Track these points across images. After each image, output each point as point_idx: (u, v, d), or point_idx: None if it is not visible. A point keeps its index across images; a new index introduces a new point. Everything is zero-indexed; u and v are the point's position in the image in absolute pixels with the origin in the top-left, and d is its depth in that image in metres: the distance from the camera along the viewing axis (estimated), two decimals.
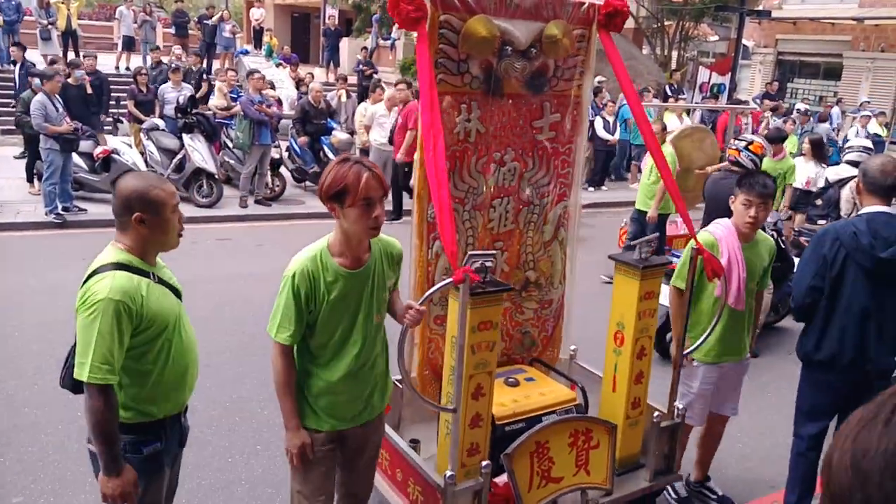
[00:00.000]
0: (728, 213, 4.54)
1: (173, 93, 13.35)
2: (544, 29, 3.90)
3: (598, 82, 15.45)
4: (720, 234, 4.26)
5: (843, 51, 24.87)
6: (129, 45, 20.60)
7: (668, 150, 8.64)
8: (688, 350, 4.17)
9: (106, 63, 20.25)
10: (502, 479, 3.59)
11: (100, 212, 10.60)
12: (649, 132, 4.04)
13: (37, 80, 11.05)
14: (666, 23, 27.44)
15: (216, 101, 13.86)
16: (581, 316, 4.86)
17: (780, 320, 7.95)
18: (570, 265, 4.61)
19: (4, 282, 7.98)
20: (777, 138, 8.91)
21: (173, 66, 14.35)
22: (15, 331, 6.71)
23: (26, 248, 9.44)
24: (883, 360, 4.02)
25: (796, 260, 7.47)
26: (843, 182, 7.93)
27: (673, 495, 4.64)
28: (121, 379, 2.77)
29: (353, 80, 20.56)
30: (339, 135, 13.09)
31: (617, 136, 15.58)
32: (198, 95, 14.28)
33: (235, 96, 13.56)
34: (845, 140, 17.36)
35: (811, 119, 16.48)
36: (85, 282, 2.77)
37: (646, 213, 8.80)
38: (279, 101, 14.40)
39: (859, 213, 4.07)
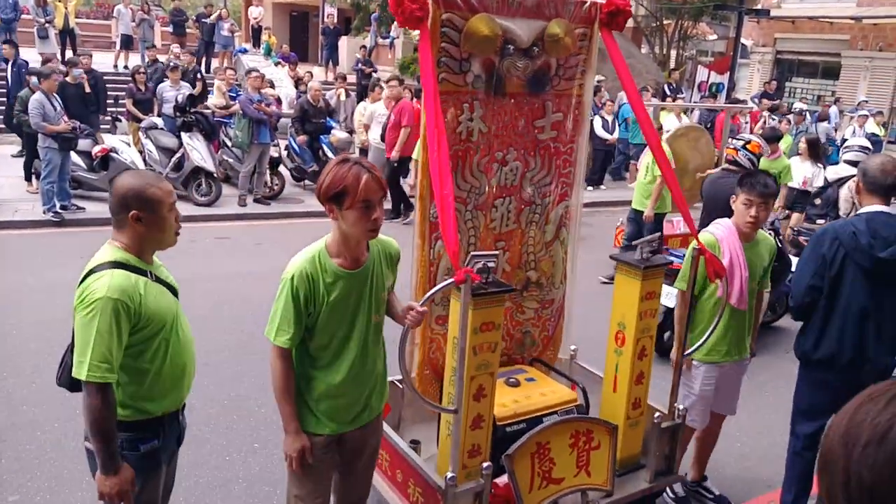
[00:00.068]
0: (726, 213, 4.54)
1: (172, 91, 13.33)
2: (546, 27, 3.89)
3: (597, 81, 15.43)
4: (721, 234, 4.25)
5: (842, 50, 24.88)
6: (127, 43, 20.59)
7: (664, 150, 8.62)
8: (689, 351, 4.17)
9: (104, 62, 20.29)
10: (503, 480, 3.58)
11: (98, 210, 10.60)
12: (651, 132, 4.03)
13: (34, 79, 11.04)
14: (665, 22, 27.47)
15: (215, 99, 13.85)
16: (580, 315, 4.85)
17: (777, 319, 7.96)
18: (572, 265, 4.60)
19: (2, 280, 7.97)
20: (772, 138, 8.91)
21: (172, 64, 14.33)
22: (13, 329, 6.71)
23: (24, 246, 9.42)
24: (881, 360, 4.02)
25: (794, 259, 7.49)
26: (841, 181, 7.94)
27: (671, 495, 4.64)
28: (119, 377, 2.76)
29: (352, 78, 20.56)
30: (338, 134, 13.09)
31: (616, 135, 15.59)
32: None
33: (234, 95, 13.55)
34: (843, 140, 17.38)
35: (806, 119, 16.48)
36: (82, 280, 2.77)
37: (642, 212, 8.80)
38: (278, 100, 14.40)
39: (858, 212, 4.07)
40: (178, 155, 11.96)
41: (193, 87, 14.47)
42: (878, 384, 1.17)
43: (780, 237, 7.82)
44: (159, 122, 13.00)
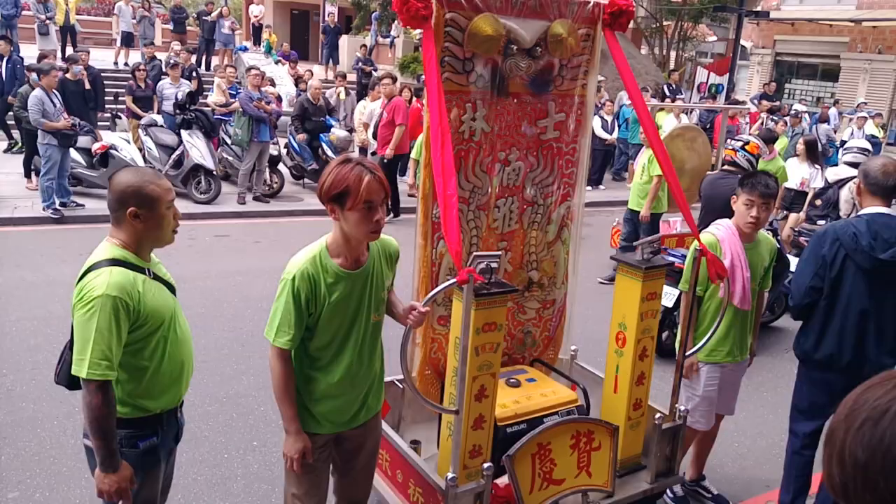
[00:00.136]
0: (724, 214, 4.54)
1: (172, 89, 13.34)
2: (549, 28, 3.89)
3: (597, 81, 15.43)
4: (722, 234, 4.25)
5: (841, 52, 24.92)
6: (128, 40, 20.58)
7: None
8: (691, 351, 4.16)
9: (104, 59, 20.31)
10: (503, 480, 3.57)
11: (97, 207, 10.60)
12: (653, 132, 4.02)
13: (34, 75, 11.04)
14: (665, 23, 27.51)
15: (215, 97, 13.85)
16: (579, 315, 4.86)
17: (775, 319, 7.97)
18: (573, 265, 4.60)
19: (2, 277, 7.96)
20: (768, 139, 8.93)
21: (172, 62, 14.33)
22: (13, 326, 6.70)
23: (24, 243, 9.41)
24: (881, 361, 4.02)
25: (794, 260, 7.50)
26: (842, 182, 7.94)
27: (670, 495, 4.65)
28: (118, 374, 2.76)
29: (352, 77, 20.57)
30: (338, 132, 13.09)
31: (615, 135, 15.61)
32: None
33: (234, 93, 13.56)
34: (843, 142, 17.38)
35: (802, 121, 16.49)
36: (81, 278, 2.77)
37: (639, 212, 8.82)
38: (279, 98, 14.41)
39: (859, 213, 4.08)
40: (177, 152, 11.96)
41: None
42: (889, 370, 1.20)
43: (779, 238, 7.84)
44: (159, 119, 13.00)
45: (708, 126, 14.98)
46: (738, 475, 5.14)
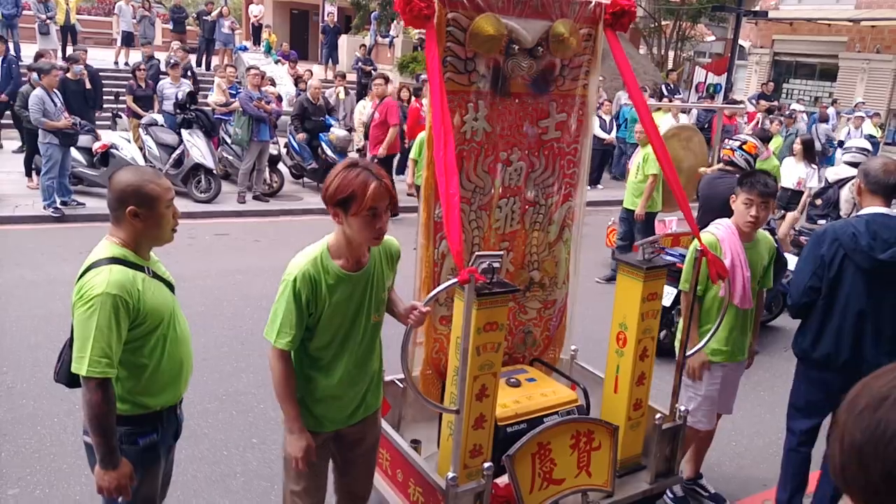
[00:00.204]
0: (722, 213, 4.55)
1: (172, 88, 13.34)
2: (551, 28, 3.89)
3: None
4: (722, 234, 4.26)
5: (839, 52, 24.90)
6: (128, 40, 20.58)
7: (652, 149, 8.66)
8: (691, 351, 4.17)
9: (105, 58, 20.32)
10: (503, 480, 3.57)
11: (98, 206, 10.61)
12: (654, 131, 4.03)
13: (35, 75, 11.06)
14: (663, 23, 27.52)
15: (215, 97, 13.86)
16: (578, 314, 4.86)
17: (773, 319, 7.99)
18: (574, 265, 4.60)
19: (2, 275, 7.97)
20: (762, 139, 8.96)
21: (172, 62, 14.36)
22: (13, 324, 6.72)
23: (24, 241, 9.41)
24: (879, 362, 4.03)
25: (792, 258, 7.52)
26: (842, 182, 7.97)
27: (669, 495, 4.65)
28: (117, 372, 2.77)
29: (351, 77, 20.58)
30: (338, 132, 13.10)
31: (613, 134, 15.63)
32: None
33: (234, 92, 13.58)
34: (840, 142, 17.40)
35: (798, 121, 16.50)
36: (81, 276, 2.78)
37: (634, 211, 8.85)
38: (279, 98, 14.42)
39: (858, 213, 4.08)
40: (177, 151, 11.97)
41: None
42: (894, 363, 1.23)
43: (776, 237, 7.86)
44: (159, 118, 13.00)
45: (706, 126, 14.99)
46: (736, 474, 5.16)
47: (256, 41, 25.79)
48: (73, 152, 10.98)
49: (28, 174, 11.98)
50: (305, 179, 13.81)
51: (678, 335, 4.44)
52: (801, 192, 9.57)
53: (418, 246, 3.96)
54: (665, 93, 18.43)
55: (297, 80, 18.74)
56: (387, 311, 3.28)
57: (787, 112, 16.55)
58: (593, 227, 11.00)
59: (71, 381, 2.88)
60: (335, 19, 25.62)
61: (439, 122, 3.24)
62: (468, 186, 3.96)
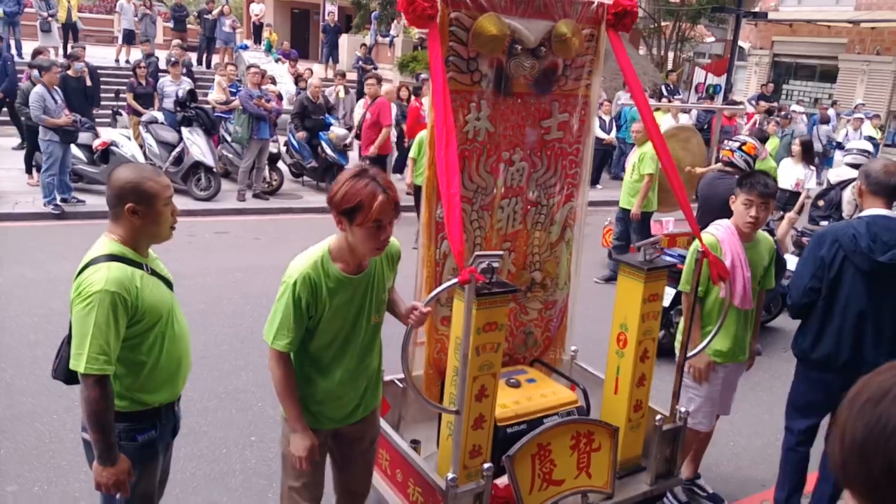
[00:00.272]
0: (722, 214, 4.55)
1: (172, 86, 13.35)
2: (554, 28, 3.88)
3: None
4: (722, 235, 4.25)
5: (839, 53, 24.90)
6: (130, 38, 20.58)
7: (650, 148, 8.69)
8: (692, 353, 4.16)
9: (106, 56, 20.34)
10: (503, 481, 3.56)
11: (98, 203, 10.59)
12: (657, 132, 4.02)
13: (36, 72, 11.06)
14: (663, 23, 27.51)
15: (215, 95, 13.87)
16: (577, 315, 4.86)
17: (772, 319, 7.99)
18: (576, 266, 4.59)
19: (2, 272, 7.97)
20: (759, 139, 8.96)
21: (173, 60, 14.36)
22: (13, 321, 6.72)
23: (24, 238, 9.42)
24: (878, 363, 4.02)
25: (788, 258, 7.53)
26: (844, 184, 7.97)
27: (673, 502, 4.66)
28: (116, 369, 2.77)
29: (352, 76, 20.58)
30: (337, 130, 13.09)
31: (613, 134, 15.63)
32: None
33: (235, 91, 13.59)
34: (839, 143, 17.41)
35: (794, 121, 16.50)
36: (79, 273, 2.78)
37: (630, 211, 8.86)
38: (279, 96, 14.42)
39: (859, 215, 4.08)
40: (177, 149, 11.98)
41: None
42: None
43: (775, 238, 7.86)
44: (160, 116, 13.00)
45: (705, 126, 14.99)
46: (734, 474, 5.16)
47: (257, 40, 25.79)
48: (74, 149, 10.98)
49: (28, 171, 11.98)
50: (305, 178, 13.82)
51: (678, 336, 4.44)
52: (799, 194, 9.58)
53: (420, 246, 3.96)
54: (664, 93, 18.43)
55: (298, 78, 18.76)
56: (387, 310, 3.28)
57: (783, 112, 16.54)
58: (592, 226, 11.03)
59: (69, 377, 2.88)
60: (336, 18, 25.64)
61: (441, 122, 3.23)
62: (470, 186, 3.96)
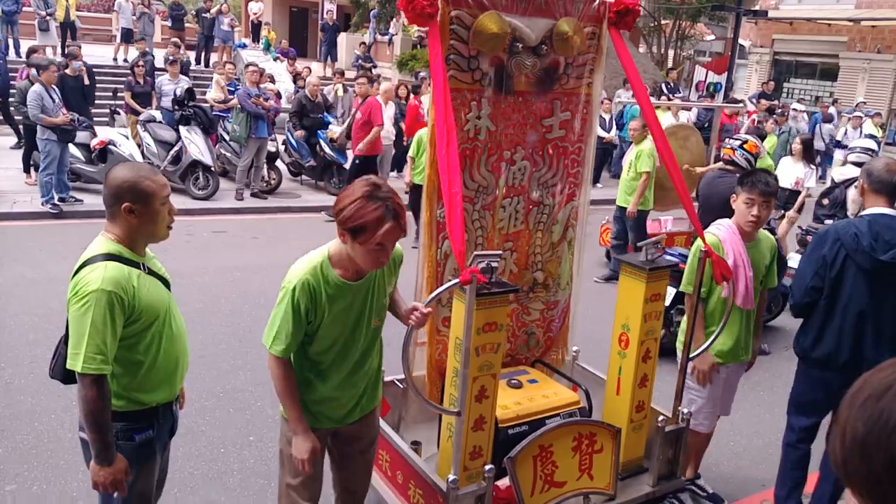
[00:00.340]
0: (722, 212, 4.54)
1: (170, 85, 13.32)
2: (555, 26, 3.86)
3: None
4: (724, 235, 4.23)
5: (840, 51, 24.91)
6: (128, 37, 20.54)
7: (647, 146, 8.68)
8: (695, 353, 4.14)
9: (104, 55, 20.33)
10: (505, 482, 3.55)
11: (96, 203, 10.57)
12: (659, 131, 3.99)
13: (34, 71, 11.05)
14: (663, 21, 27.51)
15: (213, 93, 13.84)
16: (578, 315, 4.85)
17: (773, 319, 7.98)
18: (578, 266, 4.58)
19: (1, 271, 7.95)
20: (757, 137, 8.95)
21: (171, 59, 14.32)
22: (11, 320, 6.70)
23: (22, 238, 9.40)
24: (879, 362, 4.01)
25: (792, 257, 7.52)
26: (849, 182, 7.97)
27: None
28: (113, 368, 2.77)
29: (351, 74, 20.55)
30: (336, 129, 13.09)
31: (613, 132, 15.62)
32: None
33: (233, 89, 13.56)
34: (838, 142, 17.39)
35: (789, 119, 16.49)
36: (76, 272, 2.77)
37: (626, 209, 8.85)
38: (278, 95, 14.39)
39: (861, 214, 4.08)
40: (175, 148, 11.95)
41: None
42: None
43: (776, 237, 7.85)
44: (157, 115, 12.98)
45: (706, 125, 14.98)
46: (734, 474, 5.14)
47: (255, 38, 25.77)
48: (72, 148, 10.96)
49: (27, 170, 11.96)
50: (303, 177, 13.81)
51: (679, 336, 4.43)
52: (799, 192, 9.56)
53: (420, 246, 3.94)
54: (664, 91, 18.42)
55: (296, 77, 18.73)
56: (389, 309, 3.27)
57: (779, 110, 16.52)
58: (593, 225, 11.02)
59: (66, 377, 2.87)
60: (334, 17, 25.61)
61: (442, 121, 3.21)
62: (471, 186, 3.94)
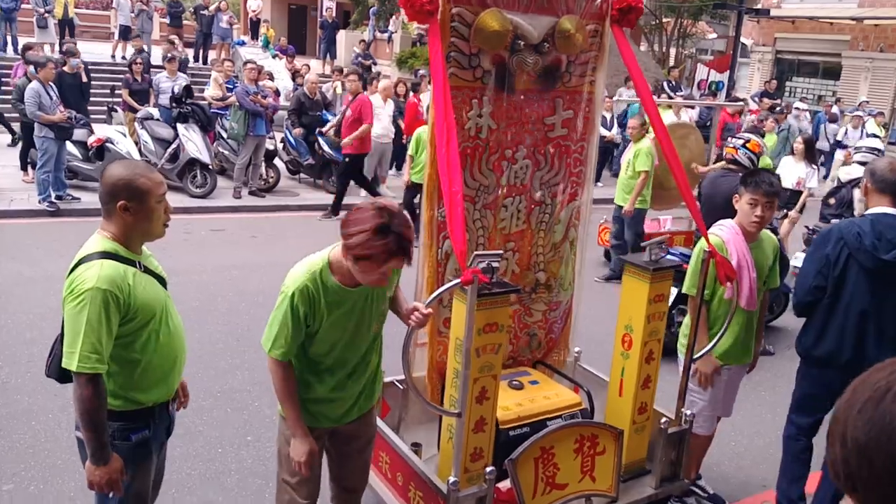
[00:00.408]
0: (725, 212, 4.50)
1: (168, 82, 13.28)
2: (557, 23, 3.83)
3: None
4: (727, 235, 4.19)
5: (842, 50, 24.90)
6: (126, 34, 20.52)
7: (645, 145, 8.66)
8: (698, 354, 4.11)
9: (103, 52, 20.32)
10: (506, 484, 3.53)
11: (93, 200, 10.46)
12: (662, 129, 3.96)
13: (31, 68, 11.01)
14: (664, 20, 27.48)
15: (212, 91, 13.81)
16: (579, 315, 4.82)
17: (774, 319, 7.95)
18: (580, 266, 4.55)
19: None
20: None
21: (169, 55, 14.28)
22: (9, 319, 6.68)
23: (19, 236, 9.39)
24: (881, 361, 3.99)
25: (798, 256, 7.49)
26: (855, 182, 7.96)
27: None
28: (109, 367, 2.75)
29: None
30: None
31: (614, 131, 15.60)
32: None
33: (231, 87, 13.52)
34: (838, 142, 17.37)
35: (797, 119, 16.47)
36: (72, 271, 2.76)
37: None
38: (277, 93, 14.35)
39: (864, 213, 4.07)
40: (173, 146, 11.91)
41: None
42: (892, 358, 1.22)
43: (779, 237, 7.83)
44: (155, 112, 12.93)
45: (707, 123, 14.95)
46: (735, 474, 5.12)
47: (254, 36, 25.76)
48: (69, 146, 10.95)
49: (24, 168, 11.95)
50: (302, 175, 13.79)
51: (681, 338, 4.40)
52: (801, 192, 9.54)
53: (421, 245, 3.91)
54: (666, 90, 18.39)
55: (295, 74, 18.69)
56: (390, 308, 3.27)
57: (778, 108, 16.49)
58: (593, 224, 11.00)
59: (62, 376, 2.87)
60: (333, 14, 25.61)
61: (442, 119, 3.19)
62: (472, 185, 3.90)
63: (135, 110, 13.35)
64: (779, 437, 4.53)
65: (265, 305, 2.97)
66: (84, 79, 12.55)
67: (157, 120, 12.65)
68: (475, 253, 3.18)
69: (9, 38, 18.30)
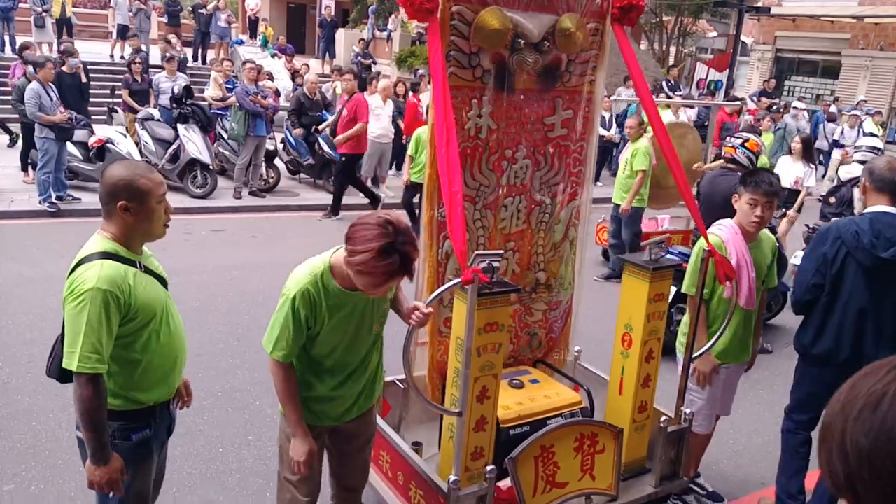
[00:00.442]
0: (724, 211, 4.51)
1: (168, 82, 13.28)
2: (558, 22, 3.82)
3: None
4: (726, 235, 4.19)
5: (842, 49, 24.90)
6: (124, 33, 20.51)
7: (643, 144, 8.66)
8: (697, 353, 4.11)
9: (101, 51, 20.31)
10: (506, 483, 3.53)
11: (94, 201, 10.44)
12: (661, 129, 3.95)
13: (31, 68, 11.01)
14: (664, 18, 27.46)
15: (212, 91, 13.80)
16: (579, 314, 4.83)
17: (773, 317, 7.96)
18: (580, 266, 4.54)
19: None
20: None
21: (168, 55, 14.27)
22: (9, 319, 6.68)
23: (20, 237, 9.38)
24: (879, 359, 4.00)
25: (794, 256, 7.50)
26: (855, 181, 7.97)
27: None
28: (109, 367, 2.76)
29: None
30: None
31: (613, 130, 15.61)
32: None
33: (231, 87, 13.50)
34: (835, 141, 17.36)
35: (795, 118, 16.47)
36: (72, 271, 2.76)
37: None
38: (277, 93, 14.35)
39: (863, 212, 4.07)
40: (174, 146, 11.91)
41: None
42: (879, 360, 1.21)
43: (777, 236, 7.84)
44: (155, 113, 12.93)
45: (706, 123, 14.95)
46: (734, 472, 5.13)
47: (253, 35, 25.73)
48: (69, 147, 10.94)
49: (24, 168, 11.94)
50: (302, 175, 13.78)
51: (679, 336, 4.41)
52: (797, 191, 9.55)
53: (422, 246, 3.91)
54: (664, 89, 18.39)
55: (294, 74, 18.68)
56: (391, 307, 3.28)
57: (774, 106, 16.49)
58: (592, 223, 11.00)
59: (62, 376, 2.86)
60: (332, 13, 25.59)
61: (442, 118, 3.19)
62: (472, 185, 3.90)
63: (135, 111, 13.34)
64: (777, 436, 4.53)
65: (265, 305, 2.98)
66: (83, 79, 12.55)
67: (158, 120, 12.65)
68: (475, 253, 3.18)
69: (6, 38, 18.28)
